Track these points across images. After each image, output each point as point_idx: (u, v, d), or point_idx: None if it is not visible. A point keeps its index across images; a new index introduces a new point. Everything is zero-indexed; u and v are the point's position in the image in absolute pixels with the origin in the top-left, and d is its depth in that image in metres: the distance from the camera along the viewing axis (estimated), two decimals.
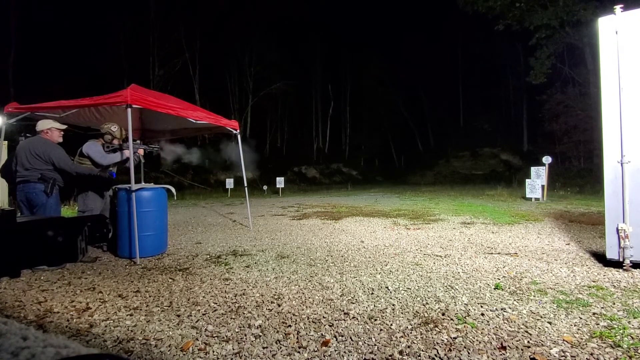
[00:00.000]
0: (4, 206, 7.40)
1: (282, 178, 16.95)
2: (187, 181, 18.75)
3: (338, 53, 32.54)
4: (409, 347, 1.94)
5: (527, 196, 10.80)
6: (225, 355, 1.89)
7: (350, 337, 2.05)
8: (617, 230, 3.25)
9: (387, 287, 2.92)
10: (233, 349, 1.95)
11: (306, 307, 2.54)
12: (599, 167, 7.32)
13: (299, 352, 1.91)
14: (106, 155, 4.30)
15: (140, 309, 2.54)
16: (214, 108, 11.97)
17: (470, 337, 2.02)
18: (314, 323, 2.26)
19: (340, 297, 2.72)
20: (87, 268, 3.69)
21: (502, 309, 2.42)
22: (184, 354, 1.91)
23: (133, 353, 1.93)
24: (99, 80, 18.52)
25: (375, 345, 1.96)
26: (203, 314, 2.43)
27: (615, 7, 3.30)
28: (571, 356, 1.79)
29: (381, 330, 2.15)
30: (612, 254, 3.32)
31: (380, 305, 2.54)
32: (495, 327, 2.15)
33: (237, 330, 2.18)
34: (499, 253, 4.11)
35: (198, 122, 5.03)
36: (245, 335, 2.11)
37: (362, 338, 2.05)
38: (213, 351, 1.93)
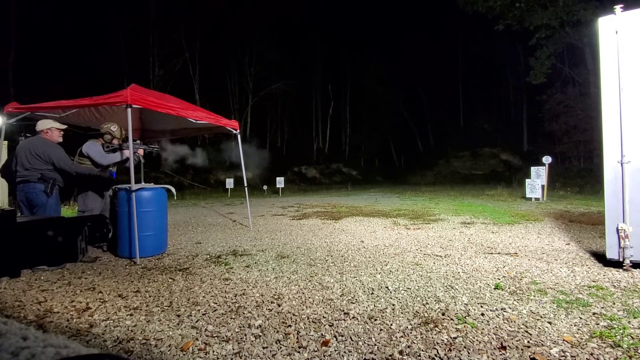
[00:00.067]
0: (4, 206, 7.40)
1: (282, 178, 16.95)
2: (187, 181, 18.75)
3: (338, 53, 32.54)
4: (409, 347, 1.94)
5: (527, 196, 10.80)
6: (225, 355, 1.89)
7: (350, 337, 2.05)
8: (617, 230, 3.25)
9: (387, 287, 2.92)
10: (233, 349, 1.95)
11: (306, 307, 2.54)
12: (599, 167, 7.32)
13: (299, 352, 1.91)
14: (106, 155, 4.29)
15: (140, 309, 2.54)
16: (214, 108, 11.97)
17: (470, 337, 2.02)
18: (314, 323, 2.26)
19: (340, 297, 2.72)
20: (87, 268, 3.69)
21: (502, 309, 2.42)
22: (184, 354, 1.91)
23: (133, 353, 1.93)
24: (99, 80, 18.52)
25: (375, 345, 1.96)
26: (203, 314, 2.43)
27: (615, 7, 3.30)
28: (571, 356, 1.79)
29: (381, 330, 2.15)
30: (612, 254, 3.32)
31: (380, 305, 2.54)
32: (495, 327, 2.15)
33: (237, 330, 2.18)
34: (499, 253, 4.11)
35: (198, 122, 5.03)
36: (245, 335, 2.11)
37: (362, 338, 2.05)
38: (213, 351, 1.93)
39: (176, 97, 5.83)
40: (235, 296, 2.78)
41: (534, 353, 1.83)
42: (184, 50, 22.85)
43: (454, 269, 3.44)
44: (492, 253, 4.12)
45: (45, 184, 3.77)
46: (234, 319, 2.35)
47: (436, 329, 2.14)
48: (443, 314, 2.36)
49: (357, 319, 2.32)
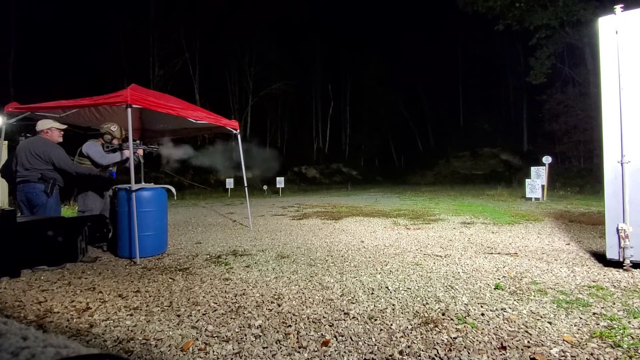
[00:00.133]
0: (4, 206, 7.40)
1: (282, 178, 16.95)
2: (187, 181, 18.76)
3: (338, 53, 32.54)
4: (409, 347, 1.94)
5: (527, 196, 10.80)
6: (225, 355, 1.89)
7: (350, 337, 2.05)
8: (617, 230, 3.25)
9: (387, 287, 2.92)
10: (233, 349, 1.95)
11: (306, 307, 2.54)
12: (599, 167, 7.32)
13: (299, 352, 1.91)
14: (106, 155, 4.29)
15: (140, 309, 2.54)
16: (214, 108, 11.98)
17: (470, 337, 2.02)
18: (314, 323, 2.26)
19: (340, 297, 2.72)
20: (87, 268, 3.69)
21: (502, 309, 2.42)
22: (184, 354, 1.91)
23: (133, 353, 1.92)
24: (99, 80, 18.52)
25: (375, 345, 1.96)
26: (203, 314, 2.43)
27: (615, 7, 3.30)
28: (571, 356, 1.79)
29: (381, 330, 2.15)
30: (612, 254, 3.32)
31: (380, 305, 2.54)
32: (495, 327, 2.15)
33: (237, 330, 2.18)
34: (499, 253, 4.11)
35: (198, 122, 5.03)
36: (245, 335, 2.11)
37: (362, 338, 2.05)
38: (213, 351, 1.93)
39: (176, 97, 5.83)
40: (235, 296, 2.78)
41: (534, 353, 1.82)
42: (184, 50, 22.85)
43: (454, 269, 3.44)
44: (492, 253, 4.12)
45: (46, 184, 3.77)
46: (234, 319, 2.35)
47: (436, 329, 2.14)
48: (443, 314, 2.36)
49: (357, 319, 2.32)
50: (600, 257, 3.63)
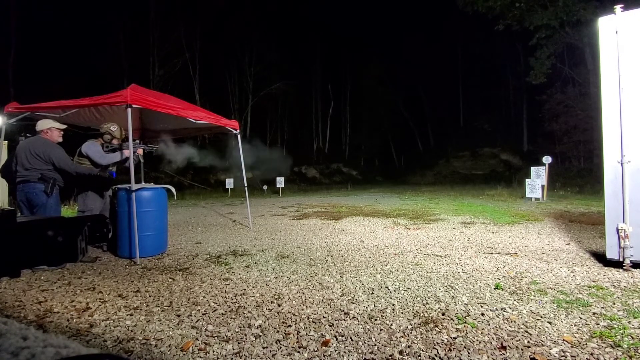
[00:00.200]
0: (4, 206, 7.40)
1: (282, 178, 16.95)
2: (187, 181, 18.76)
3: (338, 53, 32.54)
4: (409, 347, 1.94)
5: (527, 196, 10.80)
6: (225, 355, 1.89)
7: (350, 337, 2.05)
8: (617, 230, 3.25)
9: (387, 287, 2.92)
10: (233, 349, 1.95)
11: (306, 307, 2.54)
12: (599, 167, 7.32)
13: (299, 352, 1.91)
14: (105, 155, 4.29)
15: (140, 309, 2.54)
16: (214, 108, 11.97)
17: (470, 337, 2.02)
18: (314, 323, 2.26)
19: (340, 297, 2.72)
20: (87, 268, 3.69)
21: (502, 309, 2.42)
22: (184, 354, 1.91)
23: (133, 353, 1.93)
24: (99, 80, 18.51)
25: (375, 345, 1.96)
26: (203, 314, 2.43)
27: (615, 7, 3.30)
28: (571, 356, 1.79)
29: (381, 330, 2.15)
30: (612, 254, 3.32)
31: (380, 305, 2.54)
32: (495, 327, 2.15)
33: (237, 330, 2.18)
34: (499, 253, 4.11)
35: (198, 122, 5.03)
36: (245, 335, 2.11)
37: (362, 338, 2.05)
38: (213, 351, 1.93)
39: (176, 97, 5.82)
40: (235, 296, 2.78)
41: (534, 353, 1.83)
42: (184, 50, 22.84)
43: (454, 269, 3.44)
44: (492, 253, 4.12)
45: (46, 184, 3.77)
46: (234, 319, 2.35)
47: (436, 329, 2.14)
48: (443, 314, 2.36)
49: (357, 319, 2.32)
50: (600, 257, 3.63)
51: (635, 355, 1.79)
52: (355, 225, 6.51)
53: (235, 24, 24.23)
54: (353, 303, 2.59)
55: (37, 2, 18.99)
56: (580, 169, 20.28)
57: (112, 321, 2.33)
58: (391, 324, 2.22)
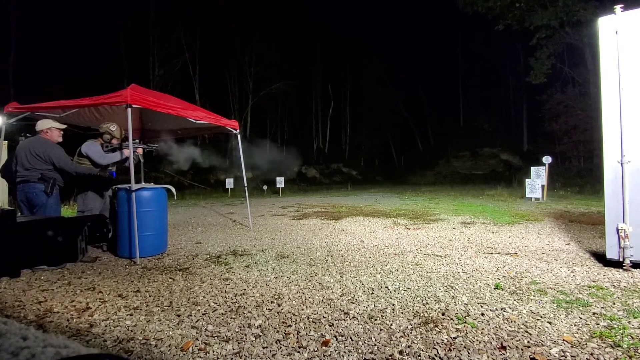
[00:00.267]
0: (4, 206, 7.40)
1: (282, 178, 16.95)
2: (187, 181, 18.75)
3: (338, 53, 32.53)
4: (409, 347, 1.94)
5: (527, 196, 10.80)
6: (225, 355, 1.89)
7: (350, 337, 2.05)
8: (617, 230, 3.25)
9: (387, 287, 2.92)
10: (233, 349, 1.95)
11: (306, 307, 2.54)
12: (599, 167, 7.32)
13: (299, 352, 1.91)
14: (105, 154, 4.29)
15: (140, 309, 2.54)
16: (214, 108, 11.97)
17: (470, 337, 2.02)
18: (314, 323, 2.26)
19: (340, 297, 2.72)
20: (87, 268, 3.69)
21: (502, 309, 2.42)
22: (184, 354, 1.91)
23: (133, 353, 1.93)
24: (99, 80, 18.50)
25: (375, 345, 1.96)
26: (203, 314, 2.43)
27: (615, 7, 3.30)
28: (571, 356, 1.79)
29: (381, 330, 2.15)
30: (612, 254, 3.32)
31: (380, 305, 2.54)
32: (495, 327, 2.15)
33: (237, 330, 2.18)
34: (499, 253, 4.11)
35: (198, 122, 5.03)
36: (245, 335, 2.11)
37: (362, 338, 2.05)
38: (213, 351, 1.93)
39: (176, 97, 5.82)
40: (235, 296, 2.78)
41: (534, 353, 1.83)
42: (184, 50, 22.84)
43: (454, 269, 3.44)
44: (492, 253, 4.12)
45: (45, 184, 3.77)
46: (234, 318, 2.35)
47: (436, 329, 2.14)
48: (443, 314, 2.36)
49: (357, 319, 2.32)
50: (600, 257, 3.63)
51: (635, 355, 1.79)
52: (355, 225, 6.52)
53: (235, 24, 24.23)
54: (353, 303, 2.59)
55: (37, 2, 18.99)
56: (580, 169, 20.28)
57: (112, 321, 2.33)
58: (391, 324, 2.22)
